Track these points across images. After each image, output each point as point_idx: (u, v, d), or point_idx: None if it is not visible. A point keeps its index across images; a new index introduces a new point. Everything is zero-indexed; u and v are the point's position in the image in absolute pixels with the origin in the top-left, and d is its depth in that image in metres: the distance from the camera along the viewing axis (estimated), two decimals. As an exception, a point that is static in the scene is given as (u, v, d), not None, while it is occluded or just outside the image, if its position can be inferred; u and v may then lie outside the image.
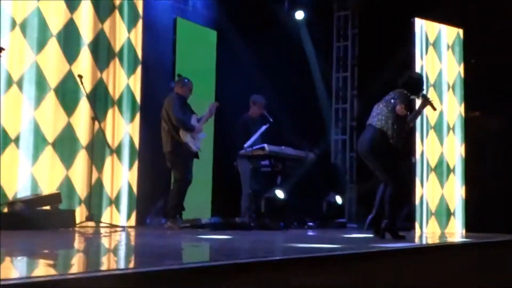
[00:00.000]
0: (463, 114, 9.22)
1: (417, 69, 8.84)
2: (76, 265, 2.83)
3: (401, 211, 6.04)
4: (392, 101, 5.76)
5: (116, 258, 3.16)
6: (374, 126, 5.76)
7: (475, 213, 8.92)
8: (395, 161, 5.83)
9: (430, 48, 9.09)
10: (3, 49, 5.21)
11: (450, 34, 9.33)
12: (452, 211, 8.98)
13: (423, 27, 9.07)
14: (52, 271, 2.46)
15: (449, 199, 8.94)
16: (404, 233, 7.20)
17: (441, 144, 8.95)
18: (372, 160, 5.87)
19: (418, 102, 6.23)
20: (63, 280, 2.01)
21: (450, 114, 9.14)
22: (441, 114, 9.00)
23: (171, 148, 6.93)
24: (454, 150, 9.10)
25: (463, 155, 9.12)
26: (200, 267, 2.62)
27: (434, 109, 6.10)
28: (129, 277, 2.25)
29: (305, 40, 10.26)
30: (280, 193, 7.69)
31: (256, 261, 2.98)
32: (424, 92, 6.26)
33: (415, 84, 5.98)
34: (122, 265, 2.87)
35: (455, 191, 9.04)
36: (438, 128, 8.95)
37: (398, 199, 5.88)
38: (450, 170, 9.00)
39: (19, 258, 3.01)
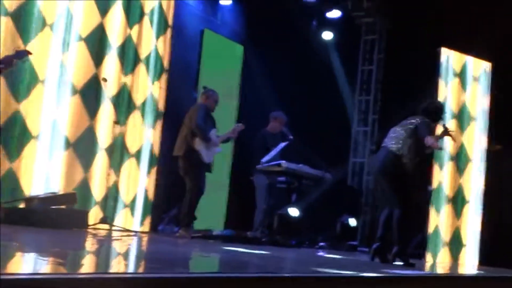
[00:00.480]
0: (484, 146, 9.18)
1: (441, 99, 8.83)
2: (85, 265, 2.86)
3: (409, 236, 5.92)
4: (411, 126, 5.70)
5: (125, 262, 3.18)
6: (388, 149, 5.72)
7: (489, 246, 8.84)
8: (406, 185, 5.73)
9: (455, 78, 9.08)
10: (30, 53, 5.27)
11: (477, 66, 9.31)
12: (465, 242, 8.91)
13: (449, 57, 9.07)
14: (61, 270, 2.49)
15: (463, 230, 8.88)
16: (414, 261, 7.17)
17: (459, 175, 8.91)
18: (383, 181, 5.84)
19: (438, 131, 6.21)
20: (71, 280, 2.03)
21: (470, 146, 9.10)
22: (461, 145, 8.97)
23: (182, 152, 6.93)
24: (472, 182, 9.05)
25: (482, 187, 9.06)
26: (209, 278, 2.63)
27: (454, 140, 6.08)
28: (137, 281, 2.27)
29: (334, 60, 10.29)
30: (293, 211, 7.68)
31: (264, 276, 2.99)
32: (445, 121, 6.25)
33: (435, 111, 5.93)
34: (131, 269, 2.90)
35: (469, 223, 8.98)
36: (457, 159, 8.92)
37: (406, 223, 5.78)
38: (466, 202, 8.95)
39: (29, 254, 3.05)
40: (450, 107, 8.93)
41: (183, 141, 6.99)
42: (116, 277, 2.25)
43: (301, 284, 3.01)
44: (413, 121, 5.76)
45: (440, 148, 6.00)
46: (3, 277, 1.85)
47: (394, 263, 5.58)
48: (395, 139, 5.72)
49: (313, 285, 3.08)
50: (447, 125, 6.11)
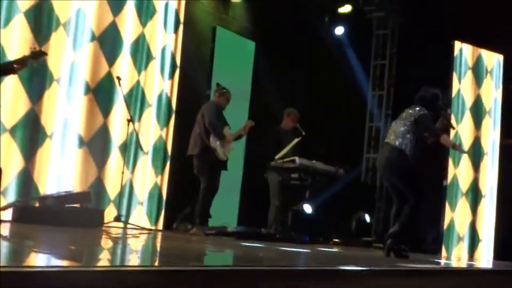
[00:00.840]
0: (498, 140, 9.12)
1: (454, 93, 8.78)
2: (100, 260, 2.87)
3: (411, 229, 5.80)
4: (411, 119, 5.65)
5: (140, 257, 3.20)
6: (391, 145, 5.66)
7: (505, 241, 8.78)
8: (414, 177, 5.70)
9: (469, 72, 9.02)
10: (46, 54, 5.29)
11: (490, 59, 9.25)
12: (481, 237, 8.86)
13: (463, 50, 9.02)
14: (76, 264, 2.50)
15: (478, 225, 8.83)
16: (430, 256, 7.13)
17: (474, 170, 8.86)
18: (391, 178, 5.78)
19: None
20: (86, 272, 2.04)
21: (485, 139, 9.05)
22: (476, 139, 8.92)
23: (198, 151, 6.95)
24: (488, 176, 9.00)
25: (496, 181, 9.01)
26: (223, 270, 2.63)
27: (452, 127, 6.02)
28: (152, 274, 2.27)
29: (346, 55, 10.25)
30: (307, 208, 7.67)
31: (279, 269, 2.99)
32: (443, 109, 6.11)
33: (433, 99, 5.83)
34: (145, 263, 2.90)
35: (485, 218, 8.93)
36: (472, 153, 8.86)
37: (414, 216, 5.65)
38: (481, 196, 8.90)
39: (44, 250, 3.07)
40: (464, 101, 8.88)
41: (197, 139, 7.00)
42: (131, 270, 2.26)
43: (316, 277, 3.00)
44: (411, 112, 5.70)
45: (464, 151, 6.00)
46: (16, 269, 1.86)
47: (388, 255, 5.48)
48: (396, 134, 5.66)
49: (328, 278, 3.07)
50: (445, 115, 5.99)
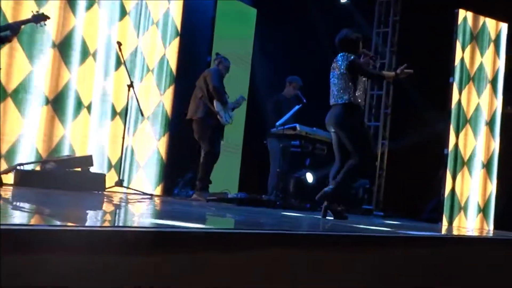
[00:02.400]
0: (500, 109, 9.09)
1: (457, 61, 8.73)
2: (101, 221, 2.88)
3: (346, 189, 5.57)
4: (342, 71, 5.32)
5: (140, 219, 3.20)
6: (338, 104, 5.35)
7: (505, 210, 8.81)
8: (365, 134, 5.48)
9: (472, 40, 8.95)
10: (48, 18, 5.25)
11: (494, 27, 9.17)
12: (481, 206, 8.88)
13: (467, 19, 8.93)
14: (77, 224, 2.50)
15: (479, 194, 8.85)
16: (430, 225, 7.16)
17: (475, 138, 8.85)
18: (340, 133, 5.39)
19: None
20: (87, 231, 2.04)
21: (487, 108, 9.02)
22: (478, 107, 8.89)
23: (202, 114, 6.94)
24: (489, 145, 8.99)
25: (498, 151, 9.00)
26: (224, 233, 2.63)
27: (372, 59, 5.57)
28: (152, 234, 2.27)
29: (349, 23, 10.15)
30: (309, 177, 7.69)
31: (280, 233, 2.99)
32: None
33: (353, 40, 5.46)
34: (146, 224, 2.91)
35: (486, 187, 8.94)
36: (473, 121, 8.84)
37: (355, 174, 5.46)
38: (483, 165, 8.90)
39: (45, 211, 3.07)
40: (468, 70, 8.83)
41: (199, 104, 6.98)
42: (131, 231, 2.25)
43: (315, 241, 3.01)
44: (339, 64, 5.38)
45: (410, 71, 5.57)
46: (17, 227, 1.86)
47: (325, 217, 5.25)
48: (338, 91, 5.36)
49: (329, 245, 3.08)
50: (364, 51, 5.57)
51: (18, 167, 5.64)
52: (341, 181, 5.27)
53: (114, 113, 6.76)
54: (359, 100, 5.35)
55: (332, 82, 5.45)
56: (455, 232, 6.35)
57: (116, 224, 2.78)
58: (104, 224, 2.64)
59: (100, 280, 1.87)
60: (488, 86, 9.06)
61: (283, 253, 2.62)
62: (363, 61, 5.47)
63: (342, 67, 5.33)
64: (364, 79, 5.43)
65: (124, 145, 6.62)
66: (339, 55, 5.43)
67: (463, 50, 8.82)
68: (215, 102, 6.94)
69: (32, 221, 2.41)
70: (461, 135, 8.70)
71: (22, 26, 5.04)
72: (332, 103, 5.44)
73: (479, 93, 8.92)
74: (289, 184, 7.74)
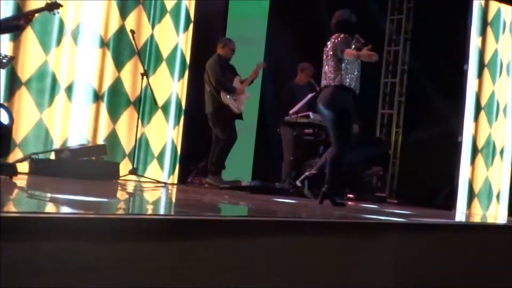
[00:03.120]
0: (515, 96, 9.04)
1: (472, 48, 8.66)
2: (115, 209, 2.90)
3: (340, 176, 5.27)
4: (330, 52, 5.26)
5: (154, 207, 3.23)
6: (329, 86, 5.25)
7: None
8: (348, 121, 5.25)
9: (487, 27, 8.88)
10: (61, 6, 5.26)
11: (509, 13, 9.09)
12: (496, 194, 8.85)
13: (481, 5, 8.86)
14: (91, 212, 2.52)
15: (493, 181, 8.81)
16: (443, 212, 7.14)
17: (489, 125, 8.80)
18: (326, 114, 5.30)
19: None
20: (102, 219, 2.06)
21: (502, 96, 8.96)
22: (492, 95, 8.84)
23: (212, 109, 7.00)
24: (504, 132, 8.94)
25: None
26: (237, 221, 2.65)
27: (365, 45, 5.24)
28: (165, 222, 2.29)
29: (362, 9, 10.09)
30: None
31: (292, 220, 3.00)
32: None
33: (347, 20, 5.39)
34: (160, 212, 2.93)
35: (500, 174, 8.90)
36: (488, 109, 8.79)
37: (341, 161, 5.23)
38: (497, 153, 8.85)
39: (60, 198, 3.10)
40: (482, 56, 8.76)
41: (209, 98, 7.04)
42: (145, 219, 2.28)
43: (328, 228, 3.01)
44: (329, 44, 5.32)
45: (377, 61, 5.43)
46: (31, 215, 1.88)
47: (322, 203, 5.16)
48: (328, 72, 5.27)
49: (341, 231, 3.09)
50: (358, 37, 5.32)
51: (32, 156, 5.69)
52: (330, 177, 5.17)
53: (128, 102, 6.79)
54: (352, 84, 5.22)
55: (325, 63, 5.35)
56: (469, 219, 6.33)
57: (129, 212, 2.80)
58: (118, 212, 2.66)
59: (114, 268, 1.89)
60: (503, 73, 8.99)
61: (293, 240, 2.63)
62: (353, 44, 5.25)
63: (334, 48, 5.23)
64: (358, 61, 5.27)
65: (138, 134, 6.65)
66: (334, 35, 5.33)
67: (477, 37, 8.75)
68: (222, 94, 6.96)
69: (46, 209, 2.44)
70: (476, 122, 8.65)
71: (36, 15, 5.05)
72: (323, 85, 5.35)
73: (493, 80, 8.86)
74: (303, 173, 7.74)
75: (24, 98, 5.92)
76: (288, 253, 2.55)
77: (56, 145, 6.15)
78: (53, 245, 1.75)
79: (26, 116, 5.95)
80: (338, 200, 5.15)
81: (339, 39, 5.26)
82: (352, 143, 5.29)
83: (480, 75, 8.73)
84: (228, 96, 6.98)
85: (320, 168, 5.31)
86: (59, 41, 6.19)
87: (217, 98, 6.98)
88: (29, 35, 5.89)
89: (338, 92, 5.19)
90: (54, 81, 6.16)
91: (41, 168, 5.56)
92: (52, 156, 5.96)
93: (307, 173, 5.33)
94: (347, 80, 5.19)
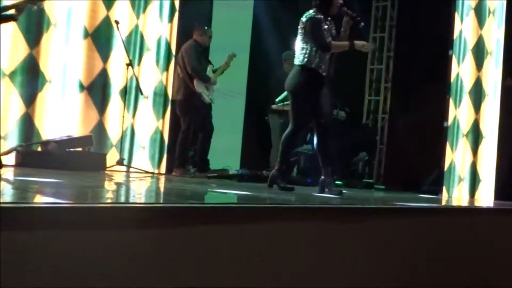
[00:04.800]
0: (500, 81, 9.08)
1: (456, 34, 8.69)
2: (102, 198, 2.91)
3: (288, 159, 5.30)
4: (302, 30, 4.93)
5: (142, 196, 3.23)
6: (295, 66, 5.00)
7: (505, 181, 8.85)
8: (306, 105, 4.92)
9: (471, 12, 8.91)
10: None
11: (493, -1, 9.13)
12: (481, 178, 8.91)
13: (465, -10, 8.88)
14: (79, 202, 2.53)
15: (479, 166, 8.88)
16: (429, 196, 7.19)
17: (475, 111, 8.85)
18: (288, 95, 5.16)
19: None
20: (88, 208, 2.07)
21: (486, 80, 9.01)
22: (477, 80, 8.88)
23: (182, 96, 6.99)
24: (489, 117, 9.00)
25: (498, 122, 9.01)
26: (226, 207, 2.66)
27: (357, 21, 4.93)
28: (153, 210, 2.30)
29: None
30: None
31: (276, 207, 3.02)
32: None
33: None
34: (148, 201, 2.94)
35: (486, 159, 8.97)
36: (473, 94, 8.84)
37: (291, 144, 5.10)
38: (482, 137, 8.91)
39: (48, 189, 3.10)
40: (466, 42, 8.79)
41: (181, 84, 7.02)
42: (132, 207, 2.29)
43: (318, 215, 3.04)
44: (303, 19, 4.96)
45: (374, 49, 5.22)
46: (19, 205, 1.89)
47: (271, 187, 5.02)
48: (297, 52, 4.99)
49: (330, 217, 3.11)
50: (346, 12, 4.96)
51: (19, 148, 5.67)
52: (279, 158, 5.05)
53: (113, 92, 6.76)
54: (321, 65, 4.89)
55: (296, 42, 5.05)
56: (454, 203, 6.38)
57: (117, 201, 2.81)
58: (105, 201, 2.67)
59: (101, 256, 1.90)
60: (488, 58, 9.03)
61: (283, 226, 2.65)
62: (344, 21, 4.93)
63: (303, 24, 4.94)
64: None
65: (124, 125, 6.64)
66: (311, 10, 5.01)
67: (462, 22, 8.78)
68: (195, 81, 6.95)
69: (34, 200, 2.44)
70: (461, 107, 8.69)
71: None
72: (294, 64, 5.07)
73: (478, 65, 8.90)
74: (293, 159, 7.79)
75: (8, 91, 5.88)
76: (270, 239, 2.57)
77: (42, 137, 6.12)
78: (37, 235, 1.75)
79: (11, 109, 5.92)
80: (283, 184, 4.96)
81: (309, 23, 4.90)
82: (327, 125, 4.98)
83: (464, 60, 8.76)
84: (201, 85, 6.98)
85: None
86: (43, 33, 6.15)
87: (189, 85, 6.97)
88: (13, 27, 5.84)
89: (301, 74, 4.90)
90: (39, 73, 6.12)
91: (27, 160, 5.54)
92: (39, 148, 5.94)
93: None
94: (317, 62, 4.88)
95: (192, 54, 6.98)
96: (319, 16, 4.91)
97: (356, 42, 4.94)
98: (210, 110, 7.20)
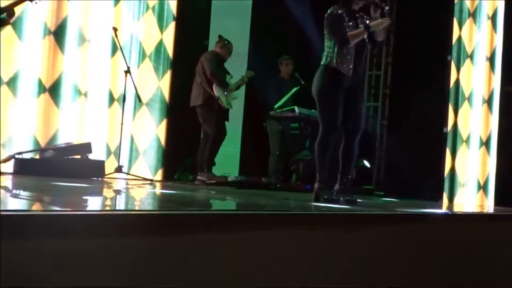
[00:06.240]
0: (499, 87, 9.08)
1: (455, 40, 8.69)
2: (102, 206, 2.88)
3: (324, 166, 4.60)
4: (324, 29, 4.67)
5: (141, 203, 3.21)
6: (320, 66, 4.67)
7: (505, 187, 8.83)
8: (335, 106, 4.56)
9: (469, 18, 8.91)
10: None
11: (491, 5, 9.13)
12: (481, 183, 8.90)
13: (464, -4, 8.90)
14: (78, 209, 2.50)
15: (479, 171, 8.86)
16: (429, 202, 7.17)
17: (474, 116, 8.84)
18: (314, 98, 4.70)
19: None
20: (87, 216, 2.04)
21: (486, 86, 9.01)
22: (476, 85, 8.87)
23: (202, 101, 6.98)
24: (488, 122, 8.99)
25: (497, 128, 9.00)
26: (225, 215, 2.64)
27: (382, 7, 4.51)
28: (152, 218, 2.28)
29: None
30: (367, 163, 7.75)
31: (278, 214, 2.99)
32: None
33: None
34: (147, 208, 2.91)
35: (486, 164, 8.95)
36: (472, 99, 8.83)
37: (324, 150, 4.61)
38: (482, 143, 8.90)
39: (46, 197, 3.08)
40: (465, 47, 8.79)
41: (199, 90, 7.00)
42: (130, 214, 2.26)
43: (317, 222, 3.01)
44: (325, 16, 4.69)
45: (390, 23, 4.56)
46: (17, 213, 1.86)
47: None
48: (323, 51, 4.69)
49: (328, 223, 3.09)
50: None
51: (16, 156, 5.64)
52: (317, 167, 4.63)
53: (111, 99, 6.74)
54: (343, 64, 4.55)
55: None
56: (455, 209, 6.36)
57: (116, 208, 2.78)
58: (105, 209, 2.64)
59: (99, 264, 1.87)
60: (486, 63, 9.03)
61: (283, 233, 2.62)
62: (371, 11, 4.51)
63: (325, 23, 4.68)
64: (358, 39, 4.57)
65: (123, 132, 6.61)
66: (332, 9, 4.68)
67: (460, 27, 8.78)
68: (214, 87, 6.95)
69: (33, 208, 2.42)
70: (460, 113, 8.69)
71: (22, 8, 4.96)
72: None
73: (477, 71, 8.90)
74: (292, 166, 7.77)
75: (7, 98, 5.86)
76: (271, 246, 2.54)
77: (41, 144, 6.10)
78: (37, 243, 1.72)
79: (9, 116, 5.89)
80: (327, 196, 4.57)
81: (327, 19, 4.65)
82: (355, 132, 4.63)
83: (463, 65, 8.76)
84: (220, 90, 6.98)
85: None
86: (41, 40, 6.13)
87: (208, 90, 6.96)
88: (9, 34, 5.82)
89: (324, 74, 4.60)
90: (37, 80, 6.10)
91: (25, 168, 5.51)
92: (37, 155, 5.91)
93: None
94: (339, 61, 4.55)
95: (211, 60, 7.01)
96: (337, 11, 4.61)
97: (371, 23, 4.51)
98: (227, 115, 7.17)
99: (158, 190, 5.11)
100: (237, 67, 7.61)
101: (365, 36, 4.60)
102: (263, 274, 2.44)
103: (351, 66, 4.56)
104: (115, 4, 6.80)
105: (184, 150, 7.55)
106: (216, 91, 6.95)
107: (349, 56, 4.56)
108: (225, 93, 7.03)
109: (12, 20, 4.75)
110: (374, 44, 4.72)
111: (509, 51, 9.14)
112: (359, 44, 4.58)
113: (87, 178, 5.72)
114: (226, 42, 7.21)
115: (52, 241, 1.75)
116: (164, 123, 7.27)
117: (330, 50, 4.59)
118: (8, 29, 5.48)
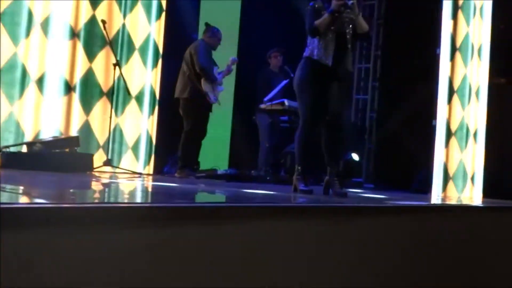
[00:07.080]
0: (487, 79, 9.10)
1: (444, 32, 8.70)
2: (90, 199, 2.86)
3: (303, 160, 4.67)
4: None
5: (130, 196, 3.19)
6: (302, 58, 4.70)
7: (494, 179, 8.87)
8: (314, 98, 4.54)
9: (458, 11, 8.92)
10: None
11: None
12: (470, 176, 8.93)
13: (452, -12, 8.89)
14: (67, 202, 2.48)
15: (468, 164, 8.89)
16: (418, 194, 7.19)
17: (463, 108, 8.86)
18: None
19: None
20: (77, 209, 2.02)
21: (474, 79, 9.02)
22: (465, 78, 8.89)
23: (188, 95, 6.86)
24: (476, 115, 9.02)
25: (485, 120, 9.03)
26: (214, 207, 2.63)
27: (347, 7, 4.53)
28: (142, 210, 2.26)
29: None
30: (355, 156, 7.73)
31: (265, 206, 2.99)
32: None
33: None
34: (136, 201, 2.90)
35: (474, 157, 8.99)
36: (461, 92, 8.85)
37: (303, 142, 4.65)
38: (470, 135, 8.93)
39: (34, 190, 3.06)
40: (454, 40, 8.80)
41: (186, 82, 6.89)
42: (119, 207, 2.24)
43: (309, 214, 3.01)
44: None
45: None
46: (4, 206, 1.84)
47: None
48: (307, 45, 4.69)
49: (320, 216, 3.09)
50: None
51: (3, 150, 5.60)
52: (296, 159, 4.75)
53: (100, 93, 6.70)
54: (325, 57, 4.54)
55: None
56: (444, 201, 6.38)
57: (104, 201, 2.77)
58: (93, 201, 2.62)
59: (92, 257, 1.86)
60: (475, 56, 9.05)
61: (272, 225, 2.62)
62: (334, 3, 4.52)
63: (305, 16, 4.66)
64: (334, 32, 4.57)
65: (112, 125, 6.58)
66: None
67: (449, 20, 8.79)
68: (202, 81, 6.84)
69: (21, 200, 2.40)
70: (449, 106, 8.71)
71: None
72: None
73: (465, 63, 8.92)
74: (282, 159, 7.77)
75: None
76: (262, 239, 2.53)
77: (28, 137, 6.06)
78: (29, 235, 1.71)
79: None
80: (302, 187, 4.63)
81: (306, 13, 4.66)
82: (334, 124, 4.62)
83: (452, 58, 8.77)
84: (208, 84, 6.87)
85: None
86: (28, 32, 6.08)
87: (196, 84, 6.85)
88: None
89: (304, 66, 4.63)
90: (25, 73, 6.05)
91: (12, 162, 5.47)
92: (24, 149, 5.87)
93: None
94: (320, 53, 4.56)
95: (203, 53, 6.85)
96: (313, 4, 4.64)
97: (332, 7, 4.51)
98: (209, 112, 7.02)
99: (147, 183, 5.09)
100: (225, 54, 7.52)
101: (348, 30, 4.62)
102: (254, 266, 2.43)
103: (330, 58, 4.54)
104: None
105: (174, 143, 7.52)
106: (204, 86, 6.85)
107: (328, 49, 4.55)
108: (213, 88, 6.93)
109: None
110: (357, 37, 4.74)
111: (497, 44, 9.16)
112: (340, 37, 4.59)
113: (75, 172, 5.69)
114: (215, 30, 7.11)
115: (41, 234, 1.74)
116: (153, 116, 7.24)
117: (310, 42, 4.62)
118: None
